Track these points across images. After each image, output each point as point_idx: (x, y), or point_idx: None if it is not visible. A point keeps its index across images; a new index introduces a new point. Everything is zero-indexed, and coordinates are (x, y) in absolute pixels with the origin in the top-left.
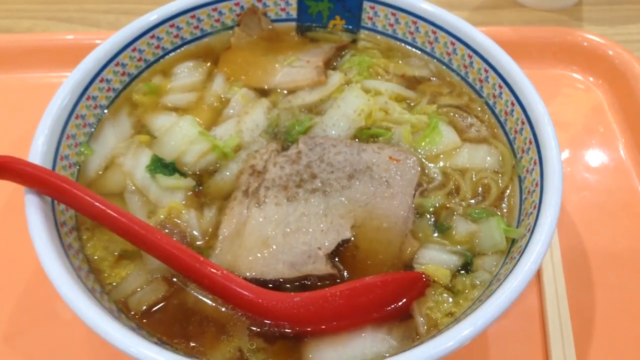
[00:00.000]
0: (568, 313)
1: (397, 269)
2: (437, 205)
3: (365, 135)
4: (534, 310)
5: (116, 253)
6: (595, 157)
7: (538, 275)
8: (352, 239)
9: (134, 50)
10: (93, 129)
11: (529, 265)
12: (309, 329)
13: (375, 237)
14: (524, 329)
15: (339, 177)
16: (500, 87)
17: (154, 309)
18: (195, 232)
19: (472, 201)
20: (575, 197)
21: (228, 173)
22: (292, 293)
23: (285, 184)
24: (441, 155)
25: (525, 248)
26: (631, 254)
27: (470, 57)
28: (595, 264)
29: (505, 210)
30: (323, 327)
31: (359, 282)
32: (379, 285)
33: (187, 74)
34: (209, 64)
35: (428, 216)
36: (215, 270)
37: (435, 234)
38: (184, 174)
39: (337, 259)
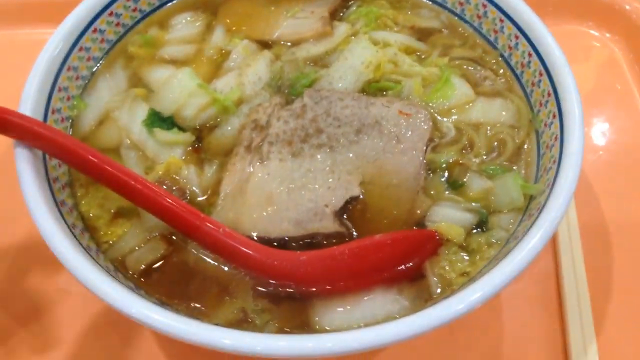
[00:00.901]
0: (585, 277)
1: (408, 227)
2: (450, 161)
3: (374, 88)
4: (550, 274)
5: (112, 210)
6: (612, 115)
7: (553, 238)
8: (361, 196)
9: None
10: (86, 82)
11: (549, 222)
12: (315, 290)
13: (385, 194)
14: (539, 293)
15: (346, 132)
16: (517, 37)
17: (153, 268)
18: (195, 189)
19: (487, 157)
20: (591, 156)
21: (229, 128)
22: (298, 251)
23: (289, 139)
24: (454, 110)
25: (544, 205)
26: None
27: (484, 6)
28: (612, 226)
29: (522, 166)
30: (330, 287)
31: (369, 240)
32: (389, 244)
33: (185, 25)
34: (208, 15)
35: (440, 173)
36: (216, 228)
37: (448, 191)
38: (183, 129)
39: (345, 217)
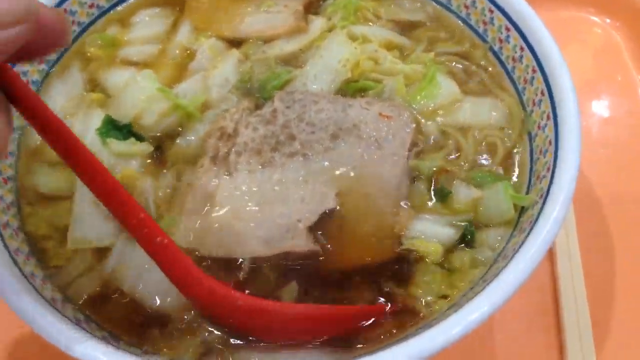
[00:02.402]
0: (584, 288)
1: (388, 242)
2: (435, 168)
3: (352, 89)
4: (545, 284)
5: (63, 228)
6: (613, 108)
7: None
8: (338, 208)
9: None
10: (38, 87)
11: (542, 239)
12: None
13: (363, 206)
14: (534, 306)
15: (321, 138)
16: (508, 29)
17: (106, 295)
18: (151, 205)
19: (475, 163)
20: (591, 154)
21: (193, 137)
22: (239, 294)
23: (259, 148)
24: (440, 111)
25: (537, 218)
26: None
27: None
28: (614, 230)
29: (513, 174)
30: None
31: (316, 310)
32: (336, 319)
33: (148, 23)
34: (174, 11)
35: (425, 181)
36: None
37: (433, 202)
38: (141, 138)
39: (320, 233)
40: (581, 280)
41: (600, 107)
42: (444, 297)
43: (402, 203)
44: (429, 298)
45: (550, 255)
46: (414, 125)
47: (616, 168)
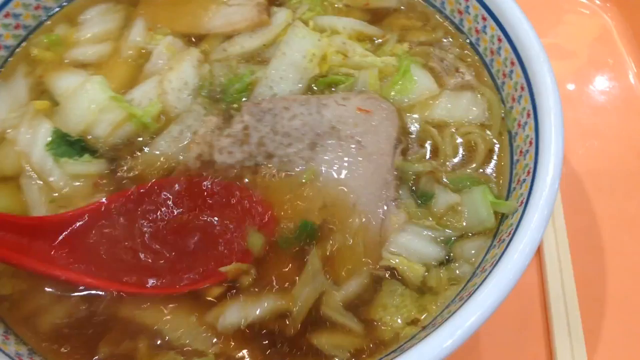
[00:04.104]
0: (574, 290)
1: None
2: (421, 169)
3: (322, 84)
4: (533, 286)
5: None
6: (605, 95)
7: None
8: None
9: None
10: None
11: (522, 251)
12: None
13: (348, 217)
14: (521, 310)
15: (299, 150)
16: (484, 19)
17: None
18: None
19: (453, 164)
20: (580, 147)
21: (157, 152)
22: None
23: (239, 174)
24: (415, 106)
25: (517, 228)
26: None
27: None
28: (605, 227)
29: (493, 176)
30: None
31: None
32: None
33: (98, 20)
34: (126, 6)
35: (409, 183)
36: None
37: (415, 207)
38: (94, 151)
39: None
40: (571, 281)
41: (590, 95)
42: (414, 322)
43: (391, 204)
44: (397, 322)
45: (538, 254)
46: (397, 117)
47: (607, 159)
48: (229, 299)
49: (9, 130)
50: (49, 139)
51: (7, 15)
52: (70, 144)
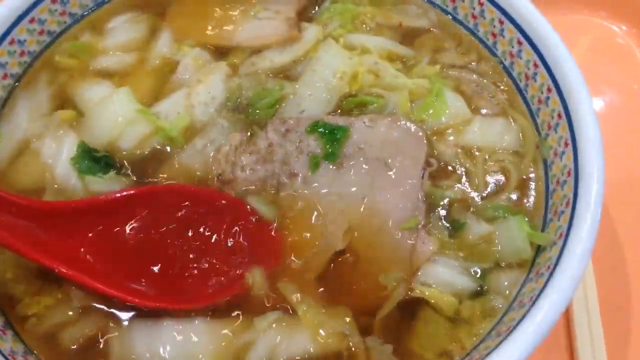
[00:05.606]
0: (599, 319)
1: (408, 279)
2: (452, 196)
3: (351, 104)
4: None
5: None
6: (631, 125)
7: None
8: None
9: (54, 1)
10: (3, 104)
11: (563, 288)
12: None
13: (376, 241)
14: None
15: (324, 171)
16: (520, 43)
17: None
18: None
19: (486, 192)
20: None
21: (181, 166)
22: None
23: (259, 192)
24: (448, 131)
25: (557, 262)
26: None
27: (480, 4)
28: (632, 258)
29: (527, 206)
30: None
31: None
32: None
33: (124, 29)
34: (152, 16)
35: (440, 210)
36: None
37: (446, 236)
38: (120, 168)
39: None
40: (596, 308)
41: (616, 124)
42: (446, 353)
43: (421, 230)
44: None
45: None
46: (425, 140)
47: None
48: None
49: (34, 140)
50: (74, 152)
51: (32, 21)
52: (96, 160)
